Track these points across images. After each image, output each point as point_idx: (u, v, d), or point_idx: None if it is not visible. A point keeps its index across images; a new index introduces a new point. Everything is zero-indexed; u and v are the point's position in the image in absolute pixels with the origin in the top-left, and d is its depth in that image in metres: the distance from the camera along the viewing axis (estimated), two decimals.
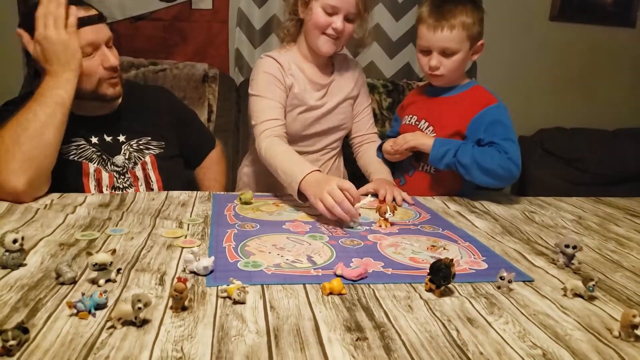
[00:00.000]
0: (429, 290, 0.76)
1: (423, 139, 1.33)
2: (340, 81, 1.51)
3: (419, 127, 1.41)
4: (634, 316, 0.63)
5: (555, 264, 0.89)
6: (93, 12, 1.21)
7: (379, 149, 1.50)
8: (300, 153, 1.32)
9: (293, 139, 1.43)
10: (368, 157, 1.52)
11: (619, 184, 2.55)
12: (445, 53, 1.32)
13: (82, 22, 1.17)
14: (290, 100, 1.42)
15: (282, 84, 1.40)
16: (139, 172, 1.32)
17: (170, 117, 1.43)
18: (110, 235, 0.92)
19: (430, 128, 1.38)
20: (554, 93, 2.63)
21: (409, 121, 1.45)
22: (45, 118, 1.10)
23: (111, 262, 0.72)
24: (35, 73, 1.25)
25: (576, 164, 2.52)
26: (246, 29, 2.20)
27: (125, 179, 1.30)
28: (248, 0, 2.18)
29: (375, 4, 1.42)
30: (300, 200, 1.13)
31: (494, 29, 2.08)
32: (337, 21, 1.35)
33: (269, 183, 1.41)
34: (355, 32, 1.44)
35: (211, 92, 2.09)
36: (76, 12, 1.14)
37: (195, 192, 1.25)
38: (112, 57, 1.22)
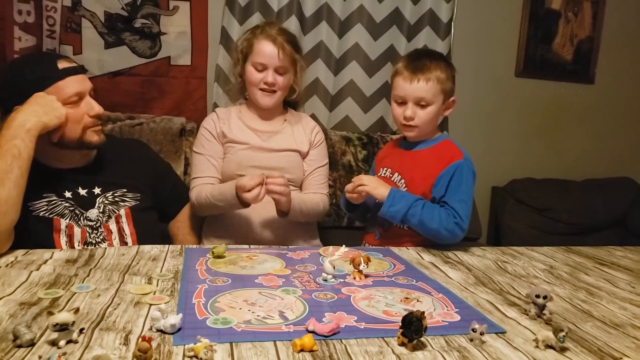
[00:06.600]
0: (402, 344, 0.74)
1: (379, 189, 1.34)
2: (287, 135, 1.58)
3: (392, 179, 1.43)
4: None
5: (527, 315, 0.89)
6: (75, 64, 1.25)
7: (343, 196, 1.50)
8: None
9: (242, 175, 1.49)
10: None
11: (592, 233, 2.60)
12: (420, 104, 1.37)
13: (67, 72, 1.20)
14: (226, 144, 1.54)
15: (214, 137, 1.55)
16: (112, 225, 1.29)
17: (146, 170, 1.43)
18: (75, 293, 0.89)
19: (403, 181, 1.41)
20: (522, 145, 2.72)
21: (384, 173, 1.47)
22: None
23: (73, 322, 0.70)
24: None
25: (548, 213, 2.57)
26: (224, 84, 2.24)
27: (99, 234, 1.27)
28: (226, 57, 2.24)
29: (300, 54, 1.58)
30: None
31: (465, 84, 2.18)
32: (268, 76, 1.49)
33: (231, 233, 1.48)
34: (295, 84, 1.57)
35: (188, 146, 2.09)
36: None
37: (167, 246, 1.23)
38: (96, 105, 1.26)
